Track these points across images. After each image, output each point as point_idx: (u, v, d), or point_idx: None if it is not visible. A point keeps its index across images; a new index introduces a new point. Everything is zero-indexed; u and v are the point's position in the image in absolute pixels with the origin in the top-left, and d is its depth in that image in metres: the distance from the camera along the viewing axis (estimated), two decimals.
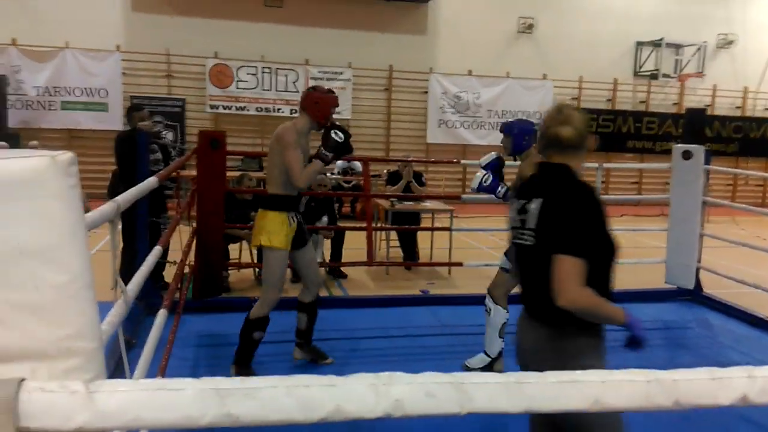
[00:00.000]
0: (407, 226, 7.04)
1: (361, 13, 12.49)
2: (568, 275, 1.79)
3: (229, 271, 5.86)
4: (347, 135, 3.68)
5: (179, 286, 4.18)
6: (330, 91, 3.80)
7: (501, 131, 4.10)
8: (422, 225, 7.38)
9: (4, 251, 0.68)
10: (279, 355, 4.11)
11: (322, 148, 3.64)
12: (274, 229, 3.61)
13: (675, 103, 14.46)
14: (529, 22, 13.34)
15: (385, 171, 8.90)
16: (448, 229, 6.61)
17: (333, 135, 3.62)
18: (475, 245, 8.20)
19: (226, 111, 12.10)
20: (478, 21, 13.02)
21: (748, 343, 4.75)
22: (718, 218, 10.26)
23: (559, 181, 1.96)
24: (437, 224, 7.22)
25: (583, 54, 13.49)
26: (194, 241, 5.06)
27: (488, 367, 4.00)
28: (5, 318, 0.68)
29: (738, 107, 14.83)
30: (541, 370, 0.78)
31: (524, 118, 4.51)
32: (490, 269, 4.41)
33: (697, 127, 12.00)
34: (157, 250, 3.07)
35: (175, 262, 4.50)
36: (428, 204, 7.23)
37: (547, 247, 1.85)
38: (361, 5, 12.46)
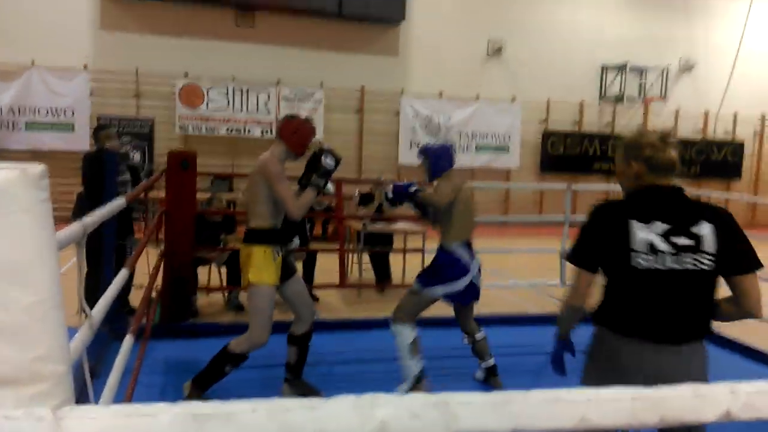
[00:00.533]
0: (380, 247, 7.01)
1: (333, 33, 12.57)
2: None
3: (198, 295, 5.75)
4: (338, 161, 3.57)
5: (146, 310, 4.08)
6: (308, 120, 3.68)
7: (419, 155, 4.03)
8: (395, 246, 7.36)
9: None
10: (253, 381, 4.01)
11: (314, 176, 3.50)
12: (260, 264, 3.45)
13: (639, 126, 14.82)
14: (498, 45, 13.59)
15: (357, 192, 8.88)
16: (421, 250, 6.61)
17: (325, 161, 3.50)
18: None
19: (196, 132, 11.98)
20: (449, 43, 13.22)
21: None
22: None
23: (707, 205, 2.13)
24: (410, 245, 7.22)
25: (551, 77, 13.78)
26: (162, 264, 4.96)
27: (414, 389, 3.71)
28: None
29: (699, 129, 15.26)
30: None
31: (444, 143, 4.47)
32: None
33: None
34: (123, 273, 3.00)
35: (141, 286, 4.39)
36: (401, 225, 7.23)
37: (731, 269, 2.05)
38: (334, 26, 12.55)
